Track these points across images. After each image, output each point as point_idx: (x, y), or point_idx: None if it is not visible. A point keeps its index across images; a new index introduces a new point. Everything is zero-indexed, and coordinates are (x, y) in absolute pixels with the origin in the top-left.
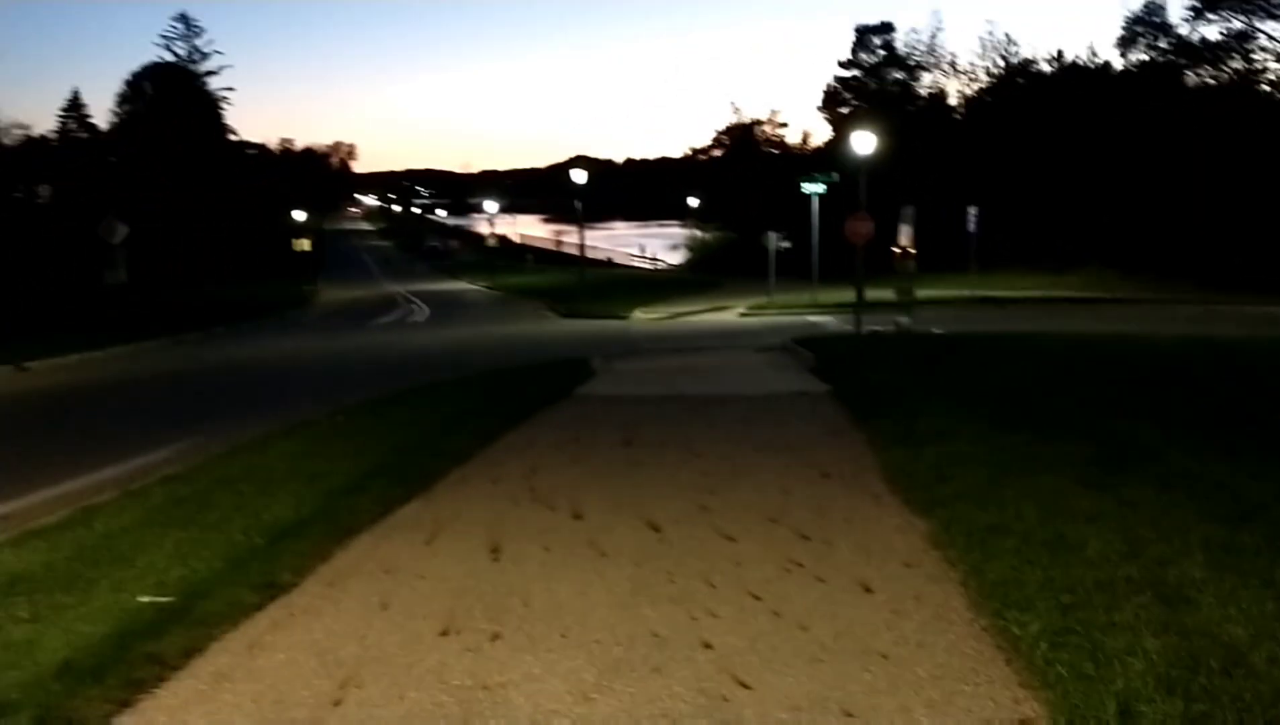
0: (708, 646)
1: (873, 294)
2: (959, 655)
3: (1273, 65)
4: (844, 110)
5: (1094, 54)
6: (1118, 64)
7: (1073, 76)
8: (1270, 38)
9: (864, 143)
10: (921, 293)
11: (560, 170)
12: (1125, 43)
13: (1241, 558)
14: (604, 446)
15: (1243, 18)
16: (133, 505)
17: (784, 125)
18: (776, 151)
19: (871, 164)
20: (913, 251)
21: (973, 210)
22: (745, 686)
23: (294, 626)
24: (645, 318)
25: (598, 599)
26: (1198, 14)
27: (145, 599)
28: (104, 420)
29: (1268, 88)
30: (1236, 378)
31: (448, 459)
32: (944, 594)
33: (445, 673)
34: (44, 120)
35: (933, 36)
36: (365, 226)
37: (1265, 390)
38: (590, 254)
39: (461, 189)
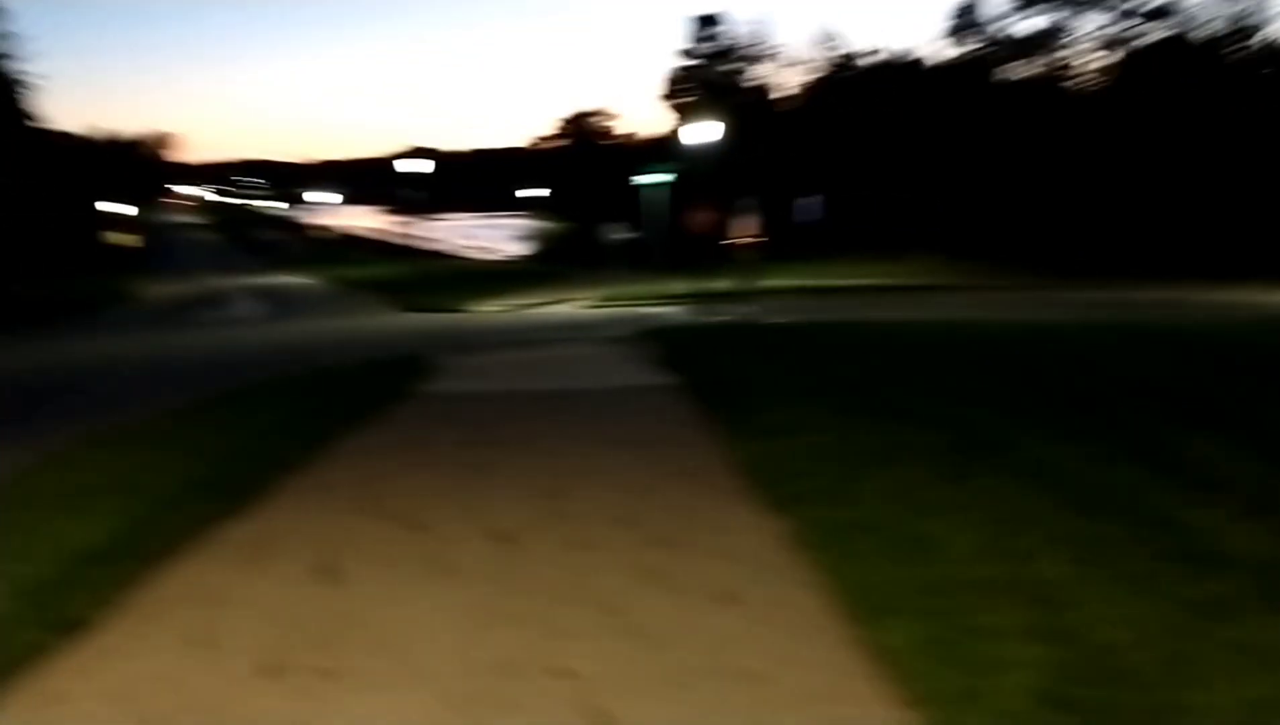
0: (567, 674)
1: (718, 285)
2: (831, 670)
3: (1088, 55)
4: (684, 100)
5: (919, 47)
6: (945, 56)
7: (900, 68)
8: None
9: (702, 132)
10: (764, 283)
11: (400, 160)
12: (952, 33)
13: (1106, 551)
14: (449, 449)
15: (1057, 14)
16: None
17: (615, 116)
18: (619, 142)
19: (712, 154)
20: (755, 241)
21: (812, 200)
22: (610, 719)
23: (97, 671)
24: (489, 310)
25: (444, 623)
26: (1017, 10)
27: None
28: None
29: (1083, 78)
30: (1070, 362)
31: (279, 467)
32: (810, 600)
33: (268, 720)
34: None
35: (764, 28)
36: (195, 219)
37: (1100, 374)
38: (434, 246)
39: (298, 180)
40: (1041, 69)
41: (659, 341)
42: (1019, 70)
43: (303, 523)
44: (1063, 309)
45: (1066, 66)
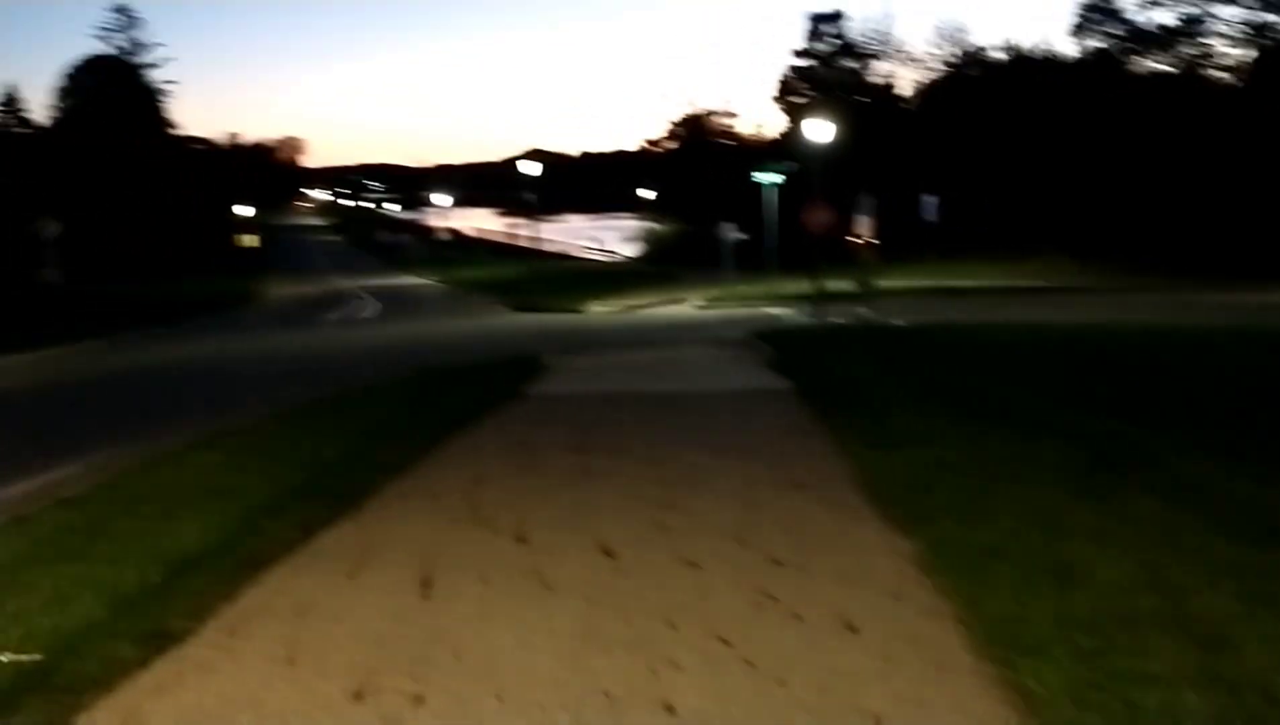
0: (670, 710)
1: (832, 285)
2: (966, 717)
3: (1224, 50)
4: (799, 100)
5: (1047, 42)
6: (1072, 52)
7: (1026, 64)
8: (1224, 21)
9: (819, 131)
10: (881, 283)
11: (515, 164)
12: (1079, 30)
13: (1278, 586)
14: (555, 453)
15: (1196, 3)
16: (16, 536)
17: (733, 115)
18: (730, 143)
19: (828, 153)
20: (873, 241)
21: (930, 199)
22: None
23: (180, 688)
24: (600, 311)
25: (541, 647)
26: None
27: (4, 658)
28: (13, 431)
29: (1220, 73)
30: (1218, 370)
31: (384, 471)
32: (941, 634)
33: None
34: None
35: (886, 25)
36: (317, 221)
37: (1255, 384)
38: (545, 247)
39: (415, 183)
40: (1173, 63)
41: (772, 344)
42: (1149, 65)
43: (401, 532)
44: (1204, 312)
45: (1200, 61)
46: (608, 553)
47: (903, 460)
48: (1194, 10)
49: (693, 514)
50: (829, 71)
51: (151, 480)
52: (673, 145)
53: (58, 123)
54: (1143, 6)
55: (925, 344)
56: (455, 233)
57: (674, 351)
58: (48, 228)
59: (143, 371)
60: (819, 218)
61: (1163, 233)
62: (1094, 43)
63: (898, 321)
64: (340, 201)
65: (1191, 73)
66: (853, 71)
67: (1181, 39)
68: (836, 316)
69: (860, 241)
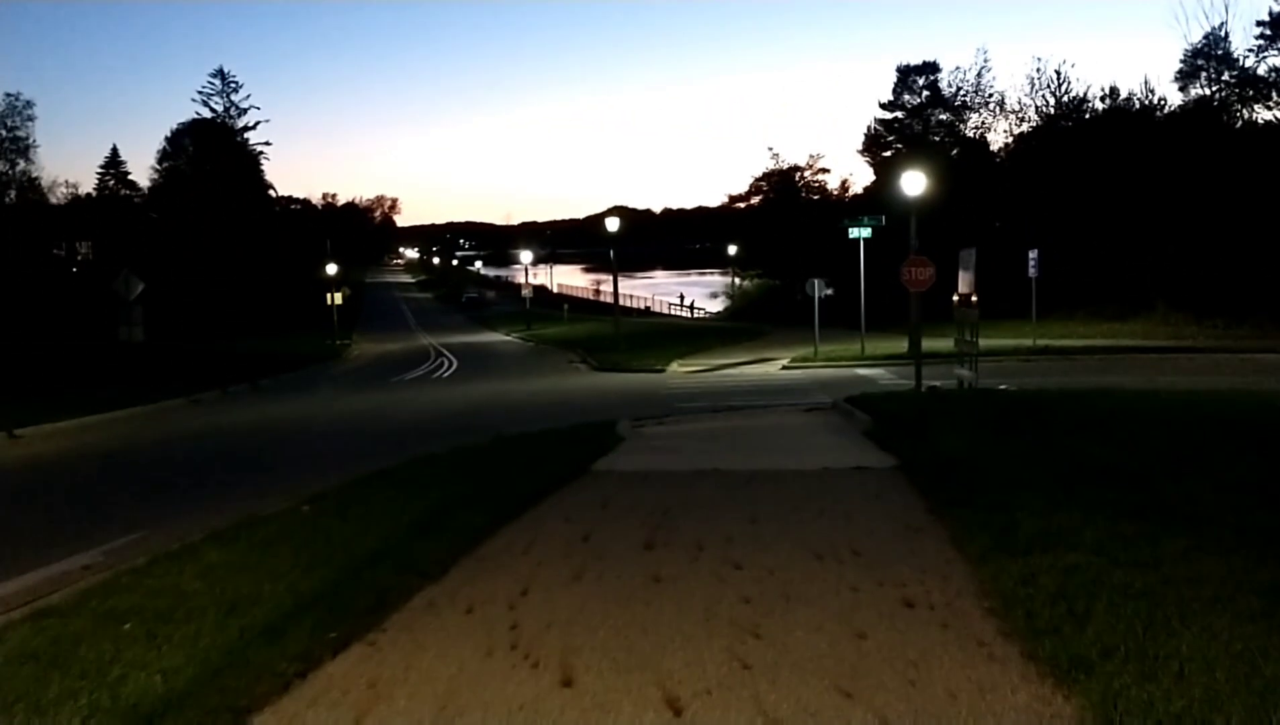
0: None
1: (927, 344)
2: None
3: None
4: (886, 153)
5: (1149, 89)
6: (1175, 98)
7: (1128, 112)
8: None
9: (913, 183)
10: (983, 343)
11: (598, 221)
12: (1185, 76)
13: None
14: (619, 551)
15: None
16: None
17: (825, 170)
18: (817, 197)
19: (921, 206)
20: (974, 298)
21: (1032, 254)
22: None
23: None
24: (682, 371)
25: None
26: (1267, 43)
27: None
28: (63, 502)
29: None
30: None
31: (419, 573)
32: None
33: None
34: (86, 178)
35: (979, 75)
36: (406, 278)
37: None
38: (630, 303)
39: (502, 240)
40: None
41: (868, 410)
42: (1261, 112)
43: (422, 665)
44: None
45: None
46: (673, 706)
47: (1042, 570)
48: None
49: (782, 647)
50: (918, 123)
51: (151, 583)
52: (757, 200)
53: (157, 184)
54: (1255, 51)
55: (1043, 413)
56: (539, 289)
57: (760, 418)
58: (130, 285)
59: (214, 434)
60: (920, 273)
61: (1273, 288)
62: (1201, 90)
63: (1004, 385)
64: (430, 259)
65: None
66: (944, 123)
67: None
68: (935, 379)
69: (962, 297)
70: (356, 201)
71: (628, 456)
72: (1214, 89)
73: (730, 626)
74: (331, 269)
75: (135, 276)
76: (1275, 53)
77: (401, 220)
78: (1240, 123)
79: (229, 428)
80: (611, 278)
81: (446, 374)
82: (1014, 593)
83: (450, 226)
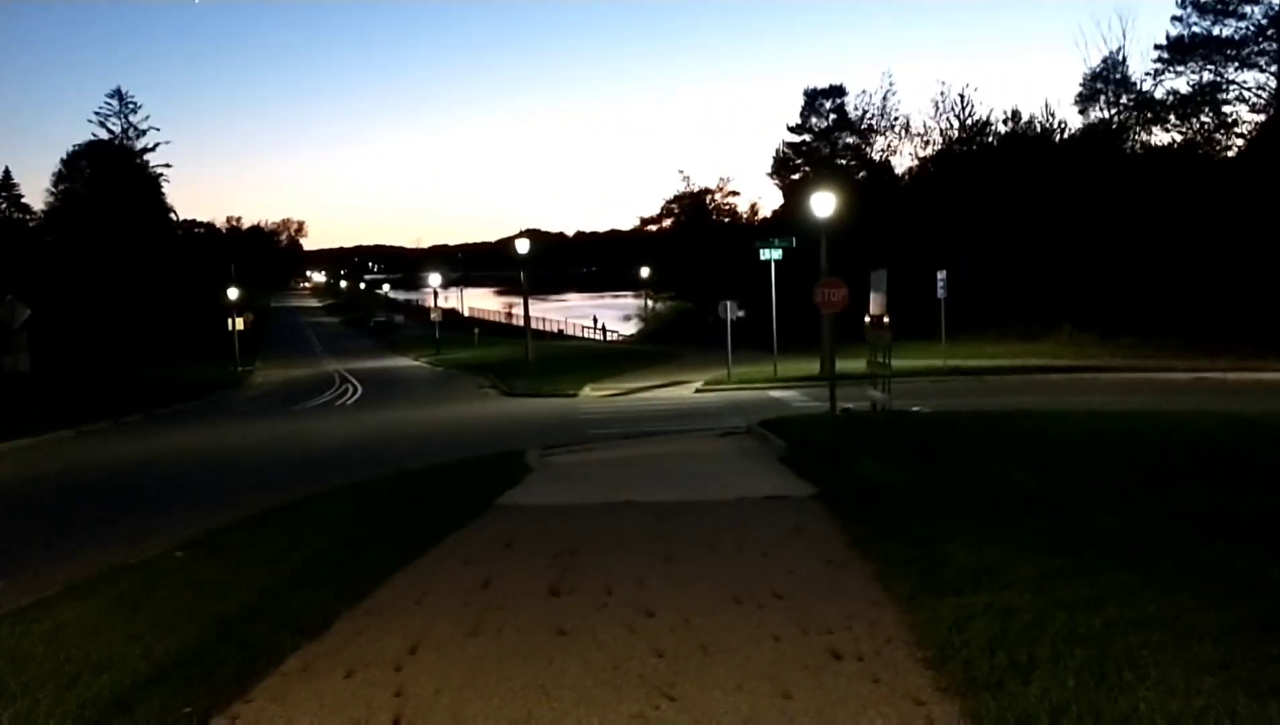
0: None
1: (839, 366)
2: None
3: (1246, 115)
4: (795, 176)
5: (1050, 112)
6: (1076, 121)
7: (1029, 135)
8: (1242, 87)
9: (823, 204)
10: (894, 364)
11: (510, 243)
12: (1085, 99)
13: None
14: (522, 598)
15: (1211, 68)
16: None
17: (735, 193)
18: (728, 220)
19: (830, 228)
20: (886, 319)
21: (940, 274)
22: None
23: None
24: (595, 395)
25: None
26: (1165, 66)
27: None
28: None
29: (1239, 141)
30: None
31: (295, 630)
32: None
33: None
34: None
35: (884, 98)
36: (314, 303)
37: None
38: (543, 326)
39: (412, 264)
40: (1185, 132)
41: (783, 435)
42: (1158, 135)
43: None
44: (1259, 396)
45: (1211, 131)
46: None
47: (979, 613)
48: (1205, 79)
49: (699, 711)
50: (825, 147)
51: None
52: (668, 223)
53: (53, 207)
54: (1152, 75)
55: (959, 437)
56: (450, 312)
57: (675, 444)
58: (16, 312)
59: (97, 469)
60: (834, 294)
61: (1176, 307)
62: (1100, 112)
63: (917, 407)
64: (338, 282)
65: (1203, 142)
66: (851, 146)
67: (1199, 106)
68: (848, 401)
69: (874, 319)
70: (262, 225)
71: (536, 488)
72: (1113, 111)
73: (641, 686)
74: (233, 293)
75: (20, 303)
76: (1172, 75)
77: (309, 243)
78: (1138, 145)
79: (113, 463)
80: (525, 301)
81: (351, 401)
82: (949, 640)
83: (359, 250)
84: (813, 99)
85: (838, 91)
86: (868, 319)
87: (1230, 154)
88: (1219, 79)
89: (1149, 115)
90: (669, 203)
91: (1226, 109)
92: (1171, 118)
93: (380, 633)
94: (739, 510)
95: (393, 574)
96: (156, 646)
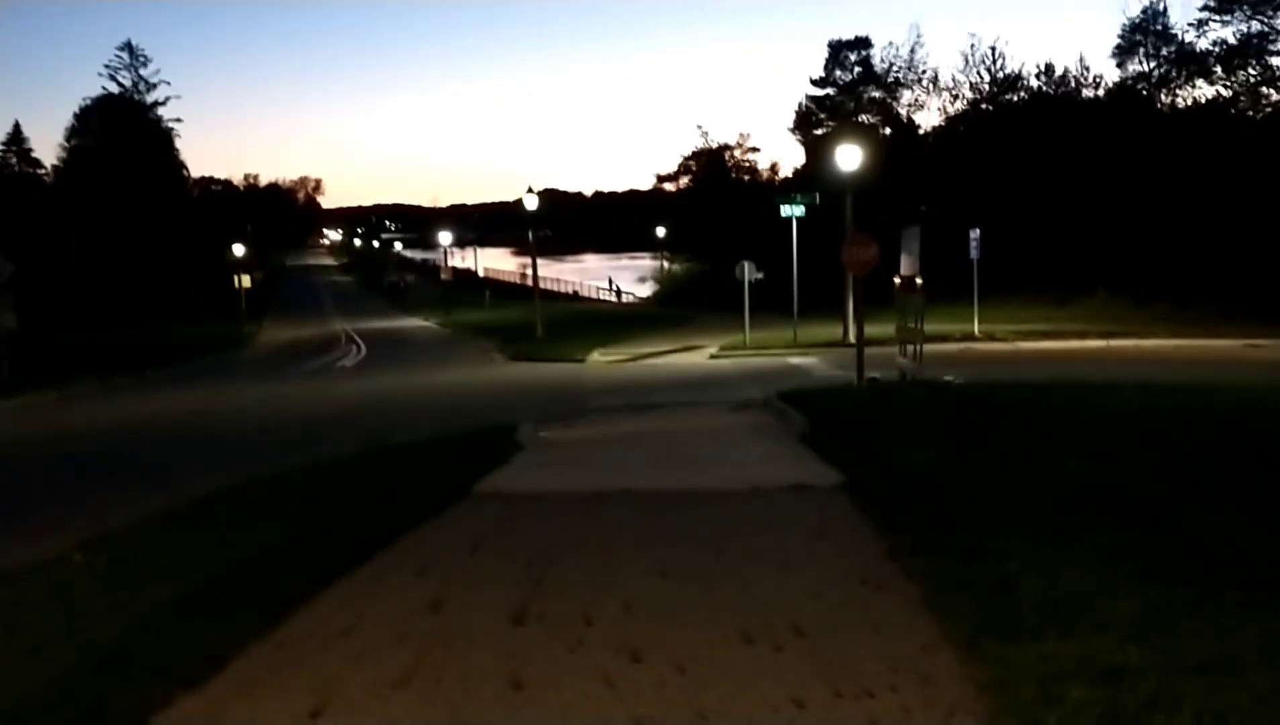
0: None
1: (869, 331)
2: None
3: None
4: (818, 131)
5: (1085, 66)
6: (1113, 75)
7: (1065, 90)
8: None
9: (848, 157)
10: (926, 329)
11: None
12: (1123, 52)
13: None
14: (476, 626)
15: (1261, 17)
16: None
17: (755, 150)
18: (748, 178)
19: (855, 185)
20: (919, 281)
21: (974, 233)
22: None
23: None
24: (604, 361)
25: None
26: (1211, 15)
27: None
28: None
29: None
30: None
31: (170, 677)
32: None
33: None
34: None
35: (912, 51)
36: (329, 261)
37: None
38: (557, 287)
39: (429, 223)
40: (1228, 86)
41: (803, 409)
42: (1204, 90)
43: None
44: None
45: (1260, 83)
46: None
47: (1073, 675)
48: (1250, 30)
49: None
50: (850, 101)
51: None
52: (686, 181)
53: (65, 162)
54: (1195, 25)
55: (1004, 416)
56: (464, 272)
57: (683, 419)
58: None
59: (64, 438)
60: (862, 253)
61: (1214, 273)
62: (1139, 66)
63: (949, 377)
64: (355, 241)
65: (1247, 95)
66: (877, 100)
67: (1245, 59)
68: (874, 370)
69: (905, 281)
70: (279, 183)
71: (522, 472)
72: (1152, 65)
73: None
74: (239, 250)
75: (4, 259)
76: (1219, 24)
77: (327, 202)
78: (1177, 101)
79: (72, 430)
80: (541, 261)
81: (351, 364)
82: (1039, 719)
83: (377, 209)
84: (837, 51)
85: (863, 43)
86: (897, 281)
87: (1270, 110)
88: (1268, 28)
89: (1188, 70)
90: (687, 160)
91: (1275, 60)
92: (1218, 69)
93: (281, 683)
94: (752, 504)
95: (325, 588)
96: (25, 678)
